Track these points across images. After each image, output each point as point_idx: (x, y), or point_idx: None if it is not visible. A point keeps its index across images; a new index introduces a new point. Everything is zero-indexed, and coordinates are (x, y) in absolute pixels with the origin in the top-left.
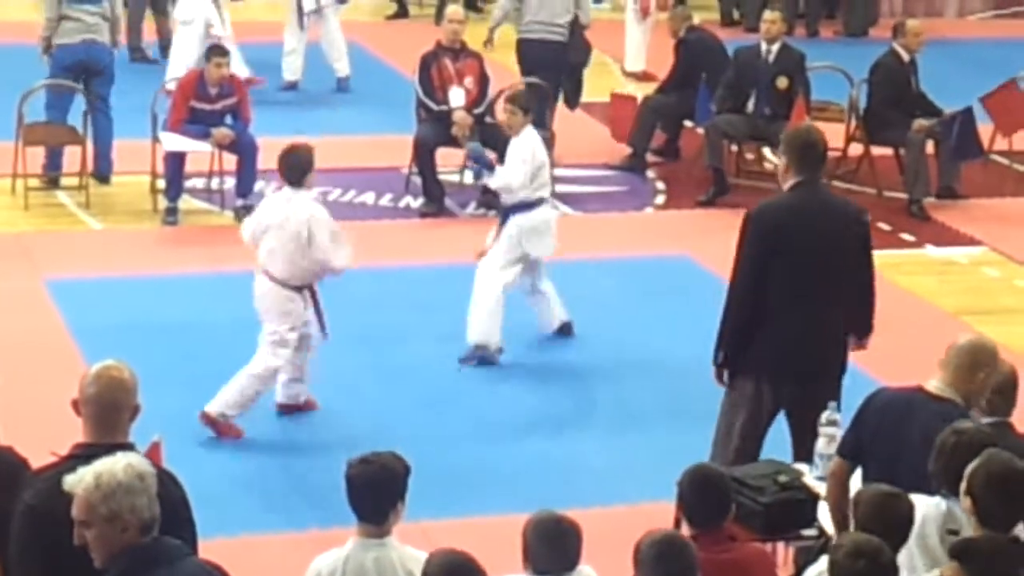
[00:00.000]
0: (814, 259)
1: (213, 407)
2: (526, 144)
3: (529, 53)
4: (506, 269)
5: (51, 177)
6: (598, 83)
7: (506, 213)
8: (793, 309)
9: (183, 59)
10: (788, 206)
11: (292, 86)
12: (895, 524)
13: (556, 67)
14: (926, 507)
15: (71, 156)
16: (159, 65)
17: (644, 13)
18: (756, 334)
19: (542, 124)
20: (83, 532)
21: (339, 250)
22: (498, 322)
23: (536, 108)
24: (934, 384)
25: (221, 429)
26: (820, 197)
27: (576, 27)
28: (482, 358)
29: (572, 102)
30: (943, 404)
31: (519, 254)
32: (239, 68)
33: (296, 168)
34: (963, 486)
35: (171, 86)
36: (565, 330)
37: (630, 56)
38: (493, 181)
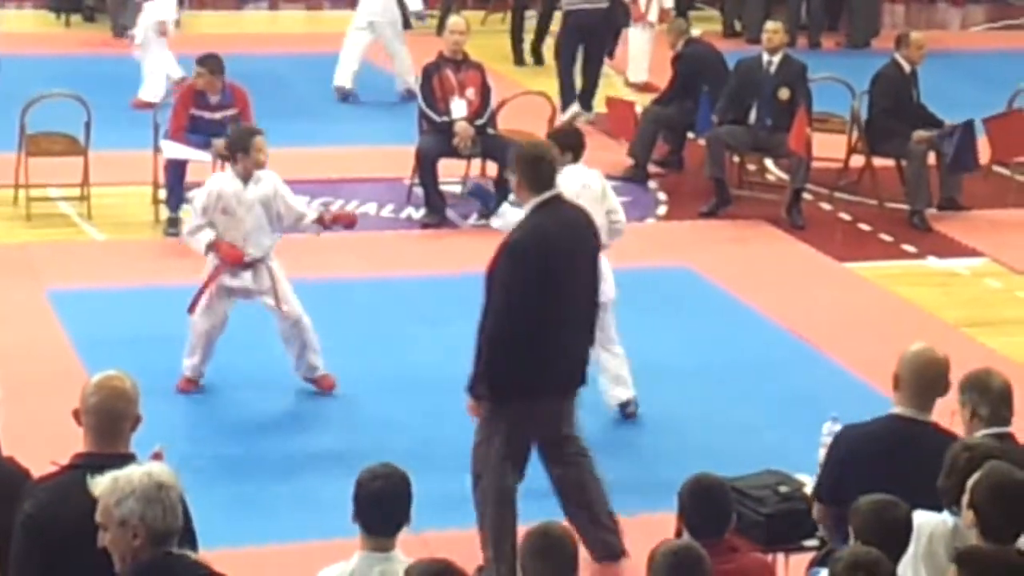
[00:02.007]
0: (572, 274)
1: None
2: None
3: (577, 22)
4: None
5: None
6: (601, 94)
7: None
8: (557, 325)
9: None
10: (544, 225)
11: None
12: (893, 532)
13: (603, 32)
14: (933, 524)
15: (73, 167)
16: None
17: (639, 20)
18: (527, 357)
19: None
20: (103, 535)
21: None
22: None
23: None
24: (911, 411)
25: (324, 383)
26: (563, 215)
27: None
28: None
29: (612, 53)
30: (924, 427)
31: None
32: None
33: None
34: (965, 499)
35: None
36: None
37: (633, 67)
38: (495, 221)
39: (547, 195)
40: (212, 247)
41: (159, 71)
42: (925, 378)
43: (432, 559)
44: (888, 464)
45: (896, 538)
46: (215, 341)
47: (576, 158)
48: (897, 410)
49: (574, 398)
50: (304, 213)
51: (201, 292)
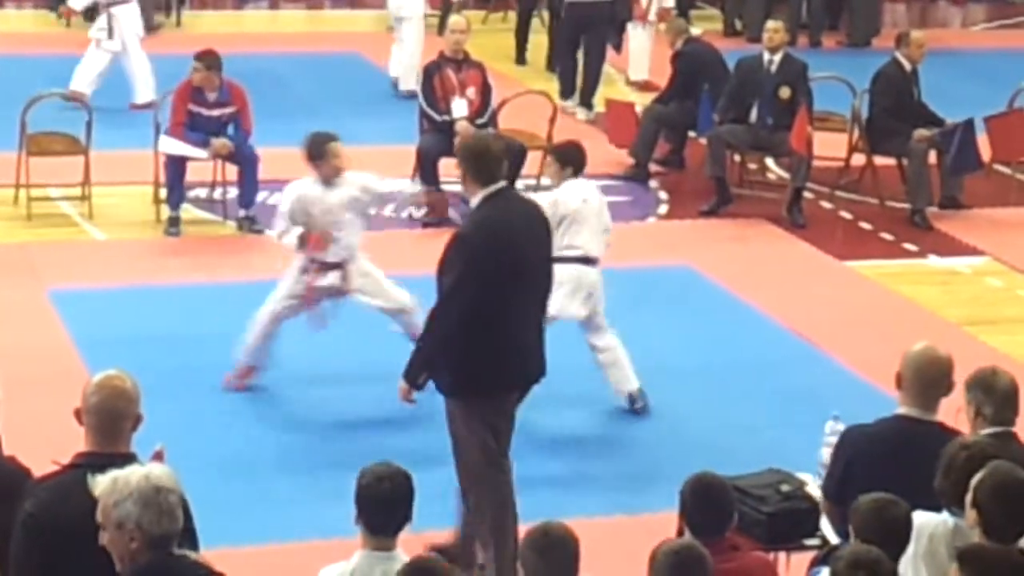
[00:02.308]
0: (521, 269)
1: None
2: (551, 196)
3: (578, 15)
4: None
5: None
6: (601, 93)
7: None
8: (513, 321)
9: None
10: (493, 219)
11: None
12: (892, 531)
13: (604, 26)
14: (934, 525)
15: (74, 166)
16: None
17: (640, 18)
18: (482, 353)
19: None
20: (103, 534)
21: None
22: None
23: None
24: (916, 411)
25: None
26: (514, 206)
27: None
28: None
29: (619, 47)
30: (930, 427)
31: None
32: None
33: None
34: (968, 498)
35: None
36: (632, 403)
37: (634, 65)
38: None
39: (494, 188)
40: (303, 239)
41: (144, 71)
42: (929, 377)
43: (417, 555)
44: (894, 464)
45: (896, 537)
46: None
47: (577, 172)
48: (902, 410)
49: (526, 394)
50: (397, 189)
51: (305, 302)
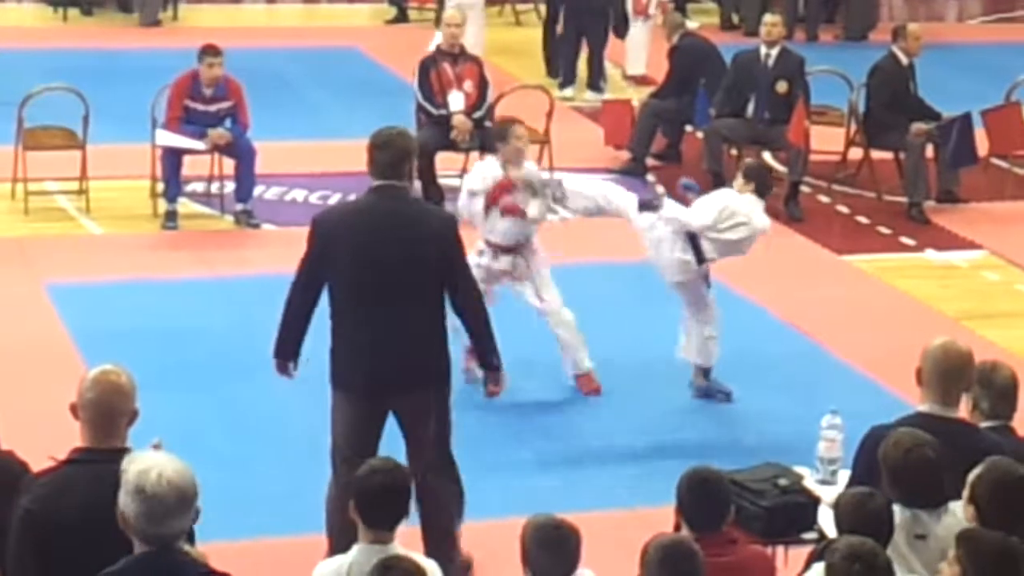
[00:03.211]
0: (370, 268)
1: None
2: (726, 198)
3: (580, 2)
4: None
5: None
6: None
7: None
8: (354, 320)
9: None
10: (349, 210)
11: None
12: (873, 523)
13: (605, 11)
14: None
15: (71, 161)
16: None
17: (642, 14)
18: (336, 341)
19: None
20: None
21: None
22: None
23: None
24: (939, 409)
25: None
26: (390, 204)
27: None
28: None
29: (623, 32)
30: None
31: None
32: None
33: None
34: (966, 493)
35: None
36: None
37: (631, 59)
38: (668, 210)
39: (379, 183)
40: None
41: None
42: (949, 372)
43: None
44: None
45: (877, 529)
46: None
47: (759, 192)
48: (924, 407)
49: (404, 398)
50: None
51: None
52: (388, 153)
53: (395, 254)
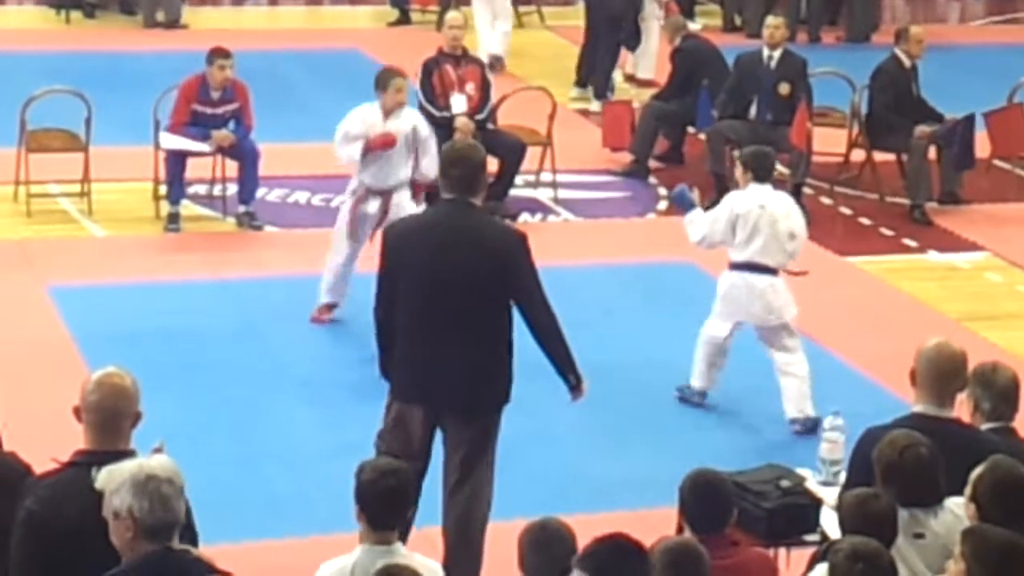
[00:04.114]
0: (430, 285)
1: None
2: (730, 201)
3: (601, 8)
4: (715, 320)
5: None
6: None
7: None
8: (415, 334)
9: None
10: (416, 224)
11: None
12: (876, 524)
13: (624, 16)
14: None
15: (73, 163)
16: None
17: (669, 12)
18: (394, 356)
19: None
20: (111, 528)
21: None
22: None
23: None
24: (933, 409)
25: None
26: (457, 220)
27: None
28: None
29: (633, 45)
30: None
31: (727, 310)
32: None
33: None
34: (967, 492)
35: None
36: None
37: (643, 63)
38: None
39: (450, 197)
40: (365, 147)
41: None
42: (943, 373)
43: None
44: None
45: (880, 530)
46: (350, 272)
47: (759, 178)
48: (919, 408)
49: (461, 424)
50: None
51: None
52: (461, 169)
53: (455, 272)
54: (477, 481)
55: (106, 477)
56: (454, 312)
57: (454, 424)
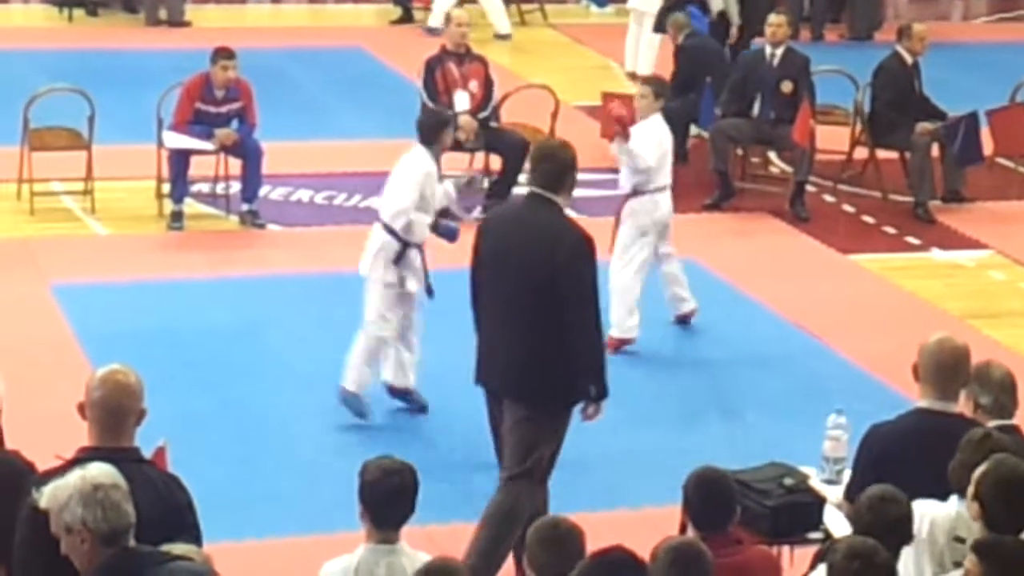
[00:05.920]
0: (495, 273)
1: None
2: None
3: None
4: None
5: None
6: (601, 86)
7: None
8: (482, 319)
9: None
10: (500, 215)
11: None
12: (891, 525)
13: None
14: (934, 513)
15: (76, 161)
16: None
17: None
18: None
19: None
20: (63, 545)
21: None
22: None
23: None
24: (937, 404)
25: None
26: (530, 214)
27: None
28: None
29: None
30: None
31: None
32: None
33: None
34: (970, 490)
35: None
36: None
37: (642, 60)
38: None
39: (534, 191)
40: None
41: None
42: (946, 367)
43: (437, 558)
44: (921, 460)
45: (896, 530)
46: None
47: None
48: (922, 403)
49: (510, 411)
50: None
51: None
52: (549, 165)
53: (515, 265)
54: (517, 472)
55: (50, 494)
56: (509, 301)
57: (507, 410)
